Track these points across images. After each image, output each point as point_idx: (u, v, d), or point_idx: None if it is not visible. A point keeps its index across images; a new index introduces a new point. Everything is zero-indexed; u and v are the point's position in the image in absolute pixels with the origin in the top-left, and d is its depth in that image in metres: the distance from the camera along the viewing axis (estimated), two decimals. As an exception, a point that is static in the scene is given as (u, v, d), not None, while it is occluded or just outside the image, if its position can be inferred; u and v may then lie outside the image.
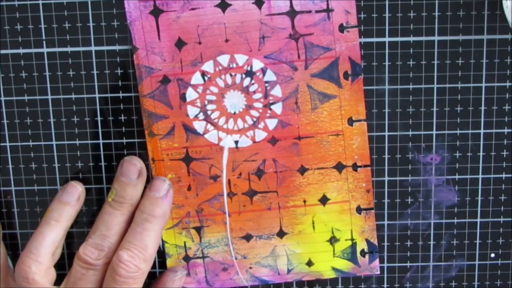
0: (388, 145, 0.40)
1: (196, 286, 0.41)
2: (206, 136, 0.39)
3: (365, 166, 0.39)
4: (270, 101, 0.39)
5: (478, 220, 0.41)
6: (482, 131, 0.39)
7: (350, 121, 0.39)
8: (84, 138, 0.40)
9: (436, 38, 0.38)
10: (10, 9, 0.38)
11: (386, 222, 0.41)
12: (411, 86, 0.39)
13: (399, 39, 0.38)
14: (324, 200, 0.40)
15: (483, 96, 0.39)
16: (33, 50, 0.39)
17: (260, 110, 0.39)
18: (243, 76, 0.38)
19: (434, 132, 0.39)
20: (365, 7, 0.38)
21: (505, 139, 0.39)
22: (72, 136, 0.40)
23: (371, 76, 0.39)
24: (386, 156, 0.40)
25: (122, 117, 0.39)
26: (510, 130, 0.39)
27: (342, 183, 0.40)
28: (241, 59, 0.38)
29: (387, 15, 0.38)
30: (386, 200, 0.40)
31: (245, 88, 0.38)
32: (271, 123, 0.39)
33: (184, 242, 0.41)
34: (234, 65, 0.38)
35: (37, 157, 0.40)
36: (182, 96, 0.39)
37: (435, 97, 0.39)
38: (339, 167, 0.39)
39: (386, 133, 0.39)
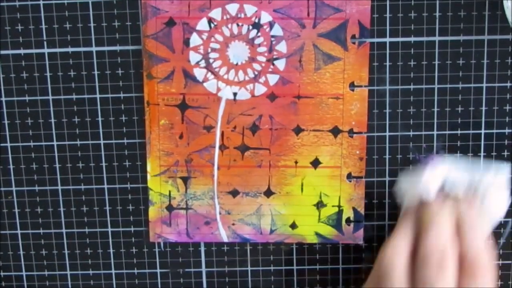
0: (389, 145, 0.40)
1: (176, 238, 0.41)
2: (205, 84, 0.39)
3: (361, 133, 0.39)
4: (274, 56, 0.38)
5: (479, 220, 0.41)
6: (483, 131, 0.39)
7: (352, 86, 0.38)
8: (85, 138, 0.40)
9: (437, 38, 0.38)
10: (11, 10, 0.38)
11: (387, 223, 0.41)
12: (412, 87, 0.39)
13: (400, 39, 0.38)
14: (316, 163, 0.40)
15: (484, 97, 0.39)
16: (34, 51, 0.39)
17: (263, 64, 0.38)
18: (250, 27, 0.38)
19: (435, 133, 0.39)
20: (366, 8, 0.38)
21: (506, 139, 0.39)
22: (73, 136, 0.40)
23: (372, 76, 0.39)
24: (387, 156, 0.40)
25: (123, 118, 0.39)
26: (511, 131, 0.39)
27: (336, 147, 0.39)
28: (250, 9, 0.38)
29: (387, 15, 0.38)
30: (387, 201, 0.40)
31: (250, 40, 0.38)
32: (272, 79, 0.39)
33: (169, 191, 0.40)
34: (242, 15, 0.38)
35: (38, 158, 0.40)
36: (186, 41, 0.38)
37: (436, 98, 0.39)
38: (335, 131, 0.39)
39: (387, 134, 0.39)
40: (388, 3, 0.38)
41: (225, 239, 0.41)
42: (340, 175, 0.40)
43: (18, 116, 0.39)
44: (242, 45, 0.38)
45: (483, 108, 0.39)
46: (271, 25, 0.38)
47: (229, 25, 0.38)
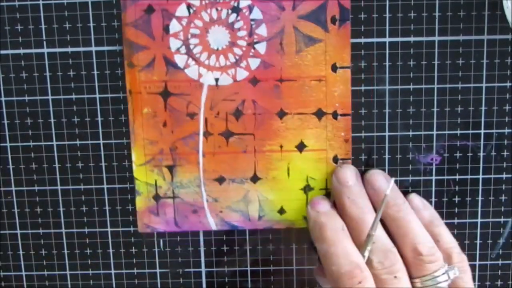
0: (388, 145, 0.40)
1: (164, 227, 0.41)
2: (186, 71, 0.38)
3: (346, 115, 0.39)
4: (255, 40, 0.38)
5: (479, 220, 0.41)
6: (482, 131, 0.39)
7: (334, 67, 0.38)
8: (84, 138, 0.40)
9: (436, 38, 0.38)
10: (10, 10, 0.38)
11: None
12: (411, 87, 0.39)
13: (400, 39, 0.38)
14: (301, 146, 0.39)
15: (483, 96, 0.39)
16: (33, 51, 0.39)
17: (244, 49, 0.38)
18: (229, 12, 0.38)
19: (435, 133, 0.39)
20: (365, 7, 0.38)
21: (505, 139, 0.39)
22: (72, 136, 0.40)
23: (371, 76, 0.39)
24: (387, 156, 0.40)
25: (123, 118, 0.39)
26: (510, 131, 0.39)
27: (320, 130, 0.39)
28: None
29: (387, 15, 0.38)
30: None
31: (230, 25, 0.38)
32: (254, 63, 0.38)
33: (155, 180, 0.40)
34: (221, 0, 0.38)
35: (38, 158, 0.40)
36: (166, 28, 0.38)
37: (435, 98, 0.39)
38: (319, 113, 0.39)
39: (387, 134, 0.39)
40: (388, 3, 0.38)
41: (214, 227, 0.40)
42: (326, 158, 0.39)
43: (17, 116, 0.39)
44: (222, 29, 0.38)
45: (483, 108, 0.39)
46: (250, 8, 0.38)
47: (208, 10, 0.37)
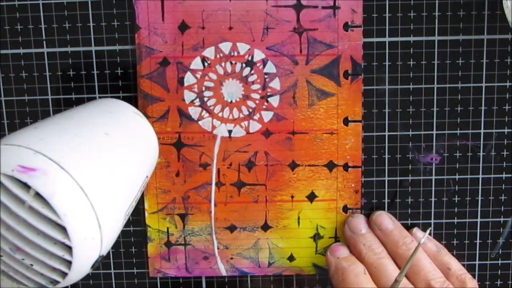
0: (388, 145, 0.40)
1: (176, 273, 0.41)
2: (200, 122, 0.39)
3: (356, 167, 0.39)
4: (268, 93, 0.39)
5: (478, 220, 0.41)
6: (482, 131, 0.39)
7: (346, 121, 0.39)
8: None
9: (436, 38, 0.38)
10: (10, 9, 0.38)
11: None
12: (411, 86, 0.39)
13: (399, 39, 0.38)
14: (312, 197, 0.40)
15: (483, 96, 0.39)
16: (33, 50, 0.39)
17: (257, 101, 0.39)
18: (243, 65, 0.38)
19: (435, 132, 0.39)
20: (366, 7, 0.38)
21: (505, 139, 0.39)
22: (72, 136, 0.40)
23: (371, 76, 0.39)
24: (386, 156, 0.40)
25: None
26: (510, 130, 0.39)
27: (331, 181, 0.40)
28: (243, 48, 0.38)
29: (387, 15, 0.38)
30: (386, 200, 0.40)
31: (244, 78, 0.38)
32: (267, 116, 0.39)
33: (167, 228, 0.40)
34: (235, 54, 0.38)
35: (37, 157, 0.40)
36: (180, 80, 0.38)
37: (435, 97, 0.39)
38: (330, 165, 0.39)
39: (386, 133, 0.39)
40: (387, 2, 0.38)
41: (224, 273, 0.41)
42: (336, 208, 0.40)
43: (17, 116, 0.39)
44: (236, 83, 0.38)
45: (483, 108, 0.39)
46: (264, 62, 0.38)
47: (223, 64, 0.38)
